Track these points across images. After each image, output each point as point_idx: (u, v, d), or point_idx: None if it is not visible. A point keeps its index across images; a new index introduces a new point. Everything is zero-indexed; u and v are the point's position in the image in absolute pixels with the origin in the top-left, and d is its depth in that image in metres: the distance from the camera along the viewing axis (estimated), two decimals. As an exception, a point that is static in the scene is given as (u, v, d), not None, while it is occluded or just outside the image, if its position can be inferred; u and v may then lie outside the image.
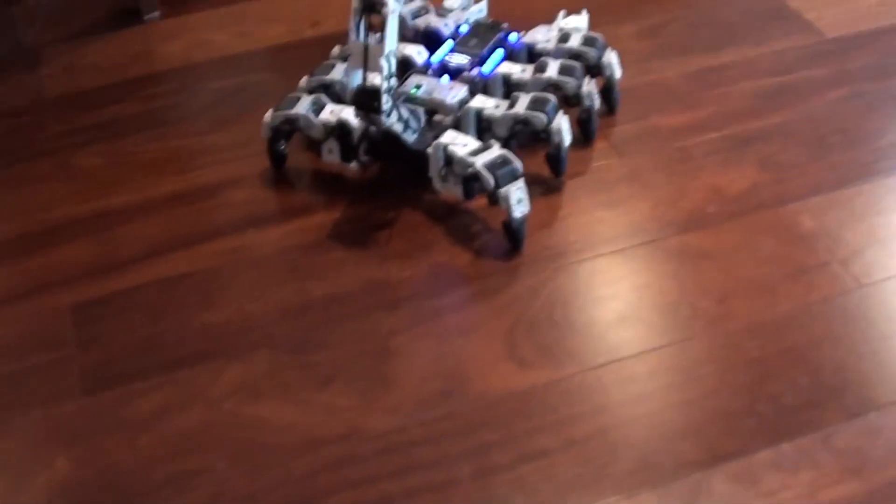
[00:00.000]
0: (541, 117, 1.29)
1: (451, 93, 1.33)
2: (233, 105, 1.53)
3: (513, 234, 1.25)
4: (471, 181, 1.25)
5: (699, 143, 1.41)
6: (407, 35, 1.49)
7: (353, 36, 1.22)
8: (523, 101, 1.32)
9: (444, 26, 1.48)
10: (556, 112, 1.31)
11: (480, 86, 1.38)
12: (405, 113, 1.28)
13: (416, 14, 1.52)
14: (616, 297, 1.20)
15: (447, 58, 1.41)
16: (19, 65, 1.67)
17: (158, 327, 1.19)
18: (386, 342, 1.16)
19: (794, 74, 1.55)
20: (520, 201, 1.23)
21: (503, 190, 1.22)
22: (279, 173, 1.40)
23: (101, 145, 1.47)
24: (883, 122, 1.45)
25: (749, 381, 1.09)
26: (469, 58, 1.40)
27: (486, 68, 1.40)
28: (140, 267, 1.27)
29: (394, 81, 1.23)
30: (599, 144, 1.42)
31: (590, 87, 1.38)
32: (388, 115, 1.23)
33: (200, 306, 1.22)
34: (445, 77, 1.38)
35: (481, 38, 1.45)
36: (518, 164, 1.24)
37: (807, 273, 1.22)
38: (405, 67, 1.40)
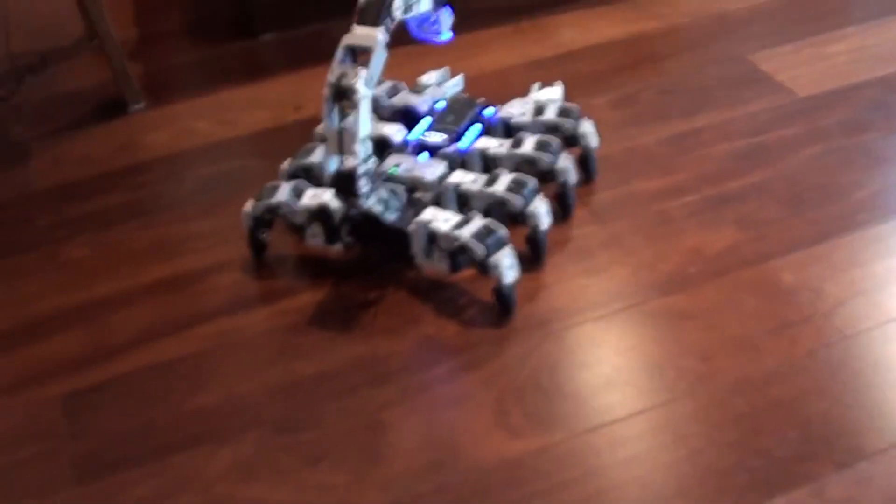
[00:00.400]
0: (518, 200, 1.31)
1: (430, 170, 1.35)
2: (217, 191, 1.55)
3: (504, 301, 1.27)
4: (457, 255, 1.27)
5: (678, 206, 1.43)
6: (384, 114, 1.51)
7: (326, 122, 1.24)
8: (503, 181, 1.33)
9: (421, 103, 1.51)
10: (534, 195, 1.33)
11: (458, 161, 1.40)
12: (385, 193, 1.29)
13: (391, 93, 1.54)
14: (602, 362, 1.21)
15: (424, 135, 1.43)
16: (8, 160, 1.70)
17: (149, 413, 1.20)
18: (375, 417, 1.16)
19: (768, 134, 1.57)
20: (510, 267, 1.25)
21: (493, 258, 1.24)
22: (260, 260, 1.41)
23: (88, 236, 1.49)
24: (858, 176, 1.47)
25: (738, 437, 1.10)
26: (446, 134, 1.42)
27: (464, 144, 1.42)
28: (129, 354, 1.28)
29: (371, 164, 1.24)
30: (580, 212, 1.43)
31: (566, 162, 1.40)
32: (367, 197, 1.25)
33: (191, 390, 1.22)
34: (424, 154, 1.40)
35: (458, 113, 1.47)
36: (504, 230, 1.26)
37: (790, 327, 1.23)
38: (383, 146, 1.42)
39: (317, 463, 1.11)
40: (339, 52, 1.23)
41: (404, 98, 1.53)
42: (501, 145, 1.41)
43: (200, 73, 1.94)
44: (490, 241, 1.24)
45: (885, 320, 1.23)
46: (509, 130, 1.48)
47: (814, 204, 1.42)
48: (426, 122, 1.47)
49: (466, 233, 1.25)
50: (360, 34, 1.24)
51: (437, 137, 1.43)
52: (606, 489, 1.06)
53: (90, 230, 1.50)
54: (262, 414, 1.18)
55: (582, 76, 1.76)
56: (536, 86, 1.55)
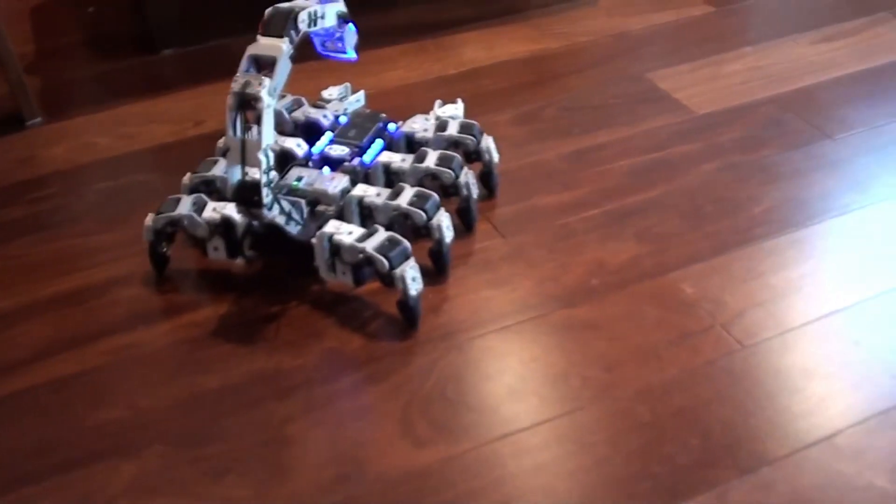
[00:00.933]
0: (420, 214, 1.31)
1: (333, 183, 1.35)
2: (118, 205, 1.53)
3: (409, 313, 1.26)
4: (361, 267, 1.26)
5: (580, 220, 1.44)
6: (286, 129, 1.51)
7: (229, 132, 1.23)
8: (406, 195, 1.33)
9: (324, 117, 1.51)
10: (436, 209, 1.32)
11: (362, 175, 1.40)
12: (287, 206, 1.28)
13: (291, 108, 1.54)
14: (506, 372, 1.21)
15: (327, 149, 1.43)
16: None
17: (49, 430, 1.16)
18: (280, 431, 1.14)
19: (667, 150, 1.60)
20: (414, 279, 1.24)
21: (397, 270, 1.23)
22: (162, 275, 1.39)
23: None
24: (755, 191, 1.50)
25: (642, 444, 1.11)
26: (349, 148, 1.42)
27: (367, 158, 1.42)
28: (28, 370, 1.25)
29: (273, 175, 1.23)
30: (483, 226, 1.44)
31: (467, 177, 1.40)
32: (270, 208, 1.24)
33: (92, 405, 1.19)
34: (326, 168, 1.39)
35: (360, 128, 1.47)
36: (406, 243, 1.25)
37: (691, 337, 1.25)
38: (286, 160, 1.41)
39: (220, 477, 1.09)
40: (244, 62, 1.23)
41: (306, 111, 1.53)
42: (404, 160, 1.41)
43: (100, 87, 1.91)
44: (394, 253, 1.24)
45: (782, 330, 1.26)
46: (412, 146, 1.48)
47: (712, 218, 1.45)
48: (328, 136, 1.46)
49: (370, 245, 1.24)
50: (264, 44, 1.23)
51: (340, 151, 1.42)
52: (513, 498, 1.06)
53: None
54: (164, 428, 1.16)
55: (485, 93, 1.78)
56: (438, 103, 1.55)
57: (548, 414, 1.15)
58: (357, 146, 1.43)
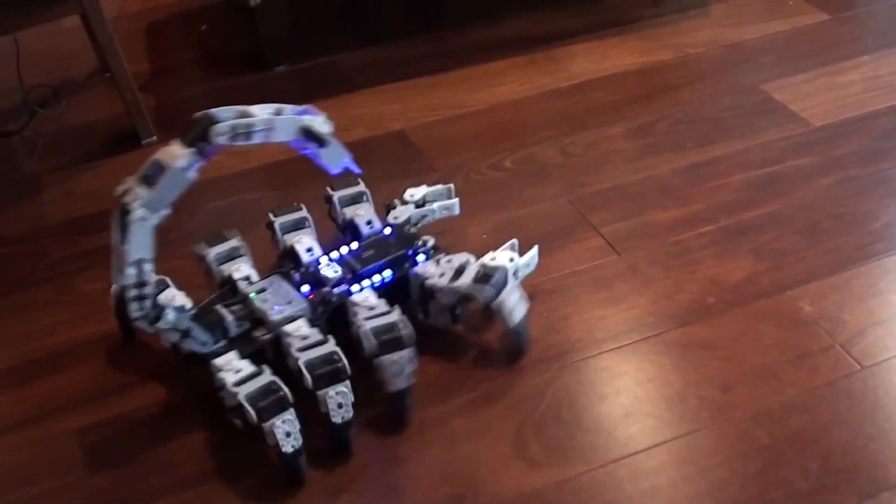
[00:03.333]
0: (310, 381, 1.12)
1: (280, 308, 1.22)
2: (229, 223, 1.54)
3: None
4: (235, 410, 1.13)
5: (694, 237, 1.42)
6: (336, 221, 1.42)
7: (113, 236, 1.14)
8: (312, 353, 1.14)
9: (367, 224, 1.36)
10: (329, 385, 1.12)
11: (330, 307, 1.24)
12: (186, 323, 1.18)
13: (352, 200, 1.41)
14: (622, 393, 1.20)
15: (322, 265, 1.28)
16: (20, 193, 1.70)
17: (165, 447, 1.19)
18: (394, 451, 1.15)
19: (783, 164, 1.57)
20: (289, 434, 1.09)
21: (266, 424, 1.09)
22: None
23: (101, 269, 1.46)
24: (874, 205, 1.46)
25: (759, 468, 1.09)
26: (342, 271, 1.27)
27: (356, 287, 1.26)
28: (144, 389, 1.27)
29: (148, 290, 1.14)
30: (596, 242, 1.43)
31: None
32: (151, 322, 1.16)
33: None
34: (307, 286, 1.26)
35: (383, 249, 1.31)
36: (287, 398, 1.10)
37: (810, 358, 1.22)
38: (292, 259, 1.32)
39: (335, 497, 1.10)
40: (144, 165, 1.14)
41: (355, 211, 1.39)
42: (373, 309, 1.20)
43: (213, 105, 1.92)
44: (265, 403, 1.09)
45: (905, 350, 1.23)
46: (422, 290, 1.28)
47: (830, 234, 1.41)
48: (346, 249, 1.32)
49: (243, 391, 1.10)
50: (167, 150, 1.13)
51: (331, 272, 1.27)
52: (628, 522, 1.05)
53: (103, 263, 1.46)
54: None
55: (597, 106, 1.76)
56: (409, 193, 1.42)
57: (664, 436, 1.14)
58: (355, 271, 1.27)
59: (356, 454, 1.15)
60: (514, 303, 1.22)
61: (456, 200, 1.42)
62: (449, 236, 1.43)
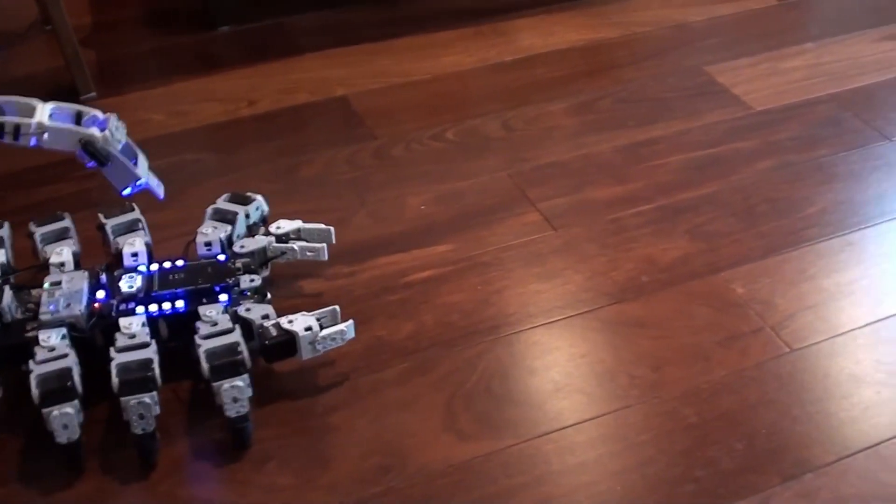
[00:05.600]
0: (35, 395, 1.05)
1: (54, 308, 1.15)
2: (169, 184, 1.52)
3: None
4: None
5: (631, 215, 1.43)
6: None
7: None
8: (40, 368, 1.08)
9: (205, 245, 1.27)
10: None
11: (105, 322, 1.16)
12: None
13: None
14: (553, 368, 1.21)
15: (127, 276, 1.20)
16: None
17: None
18: (323, 420, 1.15)
19: (723, 146, 1.58)
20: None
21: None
22: None
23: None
24: (809, 191, 1.48)
25: (686, 447, 1.10)
26: (139, 287, 1.19)
27: (140, 309, 1.17)
28: None
29: None
30: (534, 217, 1.44)
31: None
32: None
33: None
34: (101, 292, 1.19)
35: (195, 276, 1.21)
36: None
37: (740, 339, 1.23)
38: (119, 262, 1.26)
39: (263, 464, 1.10)
40: None
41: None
42: (133, 338, 1.12)
43: (155, 63, 1.92)
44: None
45: (832, 334, 1.24)
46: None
47: (765, 217, 1.43)
48: (176, 264, 1.24)
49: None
50: None
51: (126, 285, 1.19)
52: (554, 496, 1.05)
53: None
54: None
55: (541, 81, 1.77)
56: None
57: (593, 412, 1.15)
58: (147, 293, 1.19)
59: (284, 422, 1.14)
60: (234, 395, 1.08)
61: (323, 246, 1.30)
62: (386, 207, 1.42)
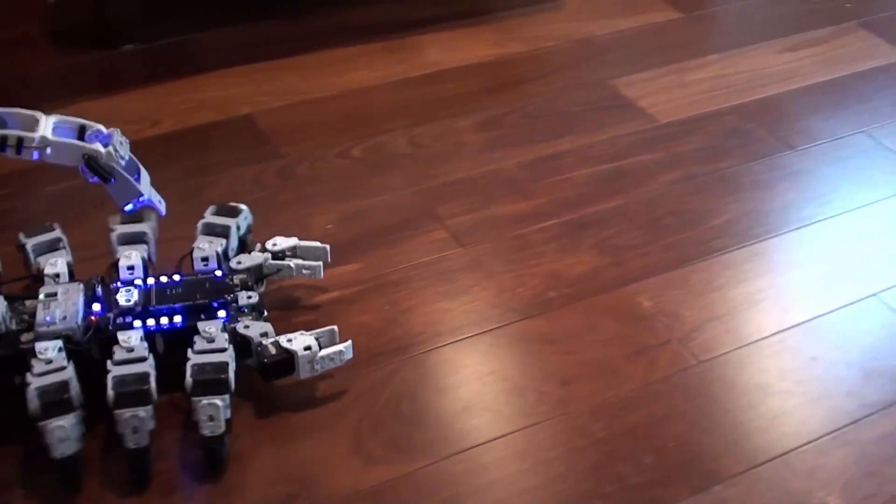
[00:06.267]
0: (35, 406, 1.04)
1: (50, 320, 1.12)
2: (73, 207, 1.49)
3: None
4: None
5: (538, 230, 1.43)
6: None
7: None
8: (38, 381, 1.05)
9: (202, 261, 1.25)
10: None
11: (102, 335, 1.14)
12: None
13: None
14: (461, 386, 1.20)
15: (124, 290, 1.18)
16: None
17: None
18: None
19: (628, 159, 1.59)
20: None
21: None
22: None
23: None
24: (715, 203, 1.49)
25: (595, 462, 1.10)
26: (136, 301, 1.17)
27: (137, 323, 1.15)
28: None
29: None
30: (440, 235, 1.43)
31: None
32: None
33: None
34: (97, 305, 1.16)
35: (193, 292, 1.19)
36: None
37: (647, 352, 1.24)
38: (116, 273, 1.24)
39: (168, 495, 1.07)
40: None
41: (199, 243, 1.27)
42: (131, 351, 1.10)
43: (56, 83, 1.87)
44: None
45: (739, 345, 1.25)
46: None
47: (671, 230, 1.44)
48: (172, 278, 1.22)
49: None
50: None
51: (123, 298, 1.17)
52: (464, 517, 1.05)
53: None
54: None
55: (448, 97, 1.76)
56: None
57: (502, 430, 1.14)
58: (146, 308, 1.17)
59: (187, 451, 1.12)
60: (211, 413, 1.06)
61: (320, 264, 1.30)
62: (292, 227, 1.39)
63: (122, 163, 1.16)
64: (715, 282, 1.35)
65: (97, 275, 1.21)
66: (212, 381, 1.07)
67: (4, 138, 1.08)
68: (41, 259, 1.25)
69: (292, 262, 1.28)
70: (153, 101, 1.78)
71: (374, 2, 2.08)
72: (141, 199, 1.19)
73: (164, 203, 1.24)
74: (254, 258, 1.27)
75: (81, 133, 1.14)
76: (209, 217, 1.31)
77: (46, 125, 1.11)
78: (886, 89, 1.82)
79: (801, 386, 1.20)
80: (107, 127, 1.16)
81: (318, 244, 1.32)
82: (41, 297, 1.16)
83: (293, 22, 2.01)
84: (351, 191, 1.52)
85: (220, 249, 1.26)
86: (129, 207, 1.19)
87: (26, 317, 1.15)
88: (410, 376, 1.21)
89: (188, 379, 1.07)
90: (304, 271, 1.29)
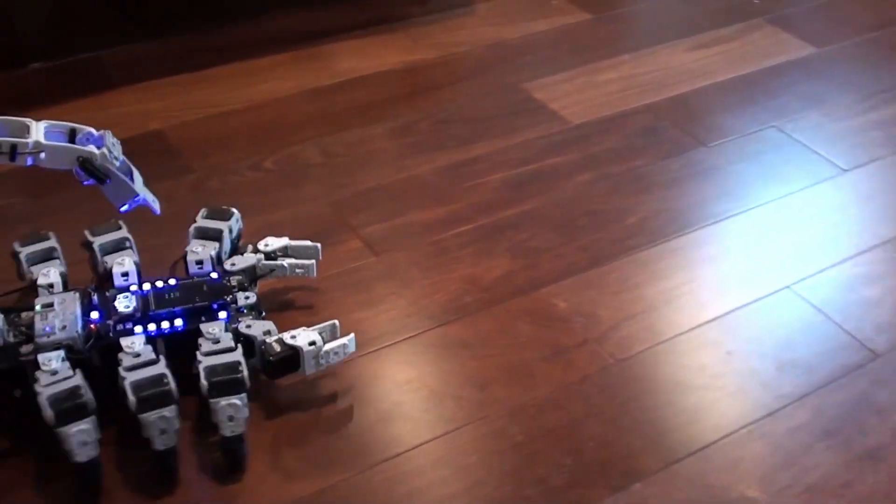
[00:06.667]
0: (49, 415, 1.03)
1: (50, 330, 1.11)
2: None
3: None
4: None
5: (453, 236, 1.43)
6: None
7: None
8: (47, 390, 1.05)
9: (196, 263, 1.26)
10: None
11: (103, 342, 1.13)
12: None
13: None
14: (380, 396, 1.19)
15: (122, 296, 1.18)
16: None
17: None
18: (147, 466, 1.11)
19: (541, 162, 1.59)
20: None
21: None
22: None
23: None
24: (628, 202, 1.50)
25: (514, 466, 1.09)
26: (135, 306, 1.16)
27: (138, 329, 1.14)
28: None
29: None
30: (355, 244, 1.42)
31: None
32: None
33: None
34: (95, 313, 1.16)
35: (191, 295, 1.19)
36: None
37: (564, 353, 1.24)
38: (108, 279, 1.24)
39: (81, 516, 1.06)
40: None
41: (193, 247, 1.27)
42: (137, 357, 1.10)
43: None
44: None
45: (656, 342, 1.26)
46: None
47: (586, 230, 1.44)
48: (168, 282, 1.22)
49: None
50: None
51: (122, 305, 1.16)
52: (384, 528, 1.04)
53: None
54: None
55: (360, 106, 1.75)
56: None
57: (422, 438, 1.13)
58: (145, 313, 1.16)
59: (117, 467, 1.09)
60: (231, 413, 1.07)
61: (313, 262, 1.30)
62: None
63: (117, 164, 1.15)
64: (630, 280, 1.36)
65: (90, 283, 1.22)
66: (227, 381, 1.07)
67: None
68: (34, 269, 1.24)
69: (286, 262, 1.29)
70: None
71: (284, 13, 2.06)
72: (136, 198, 1.19)
73: (157, 202, 1.23)
74: (247, 259, 1.28)
75: (72, 136, 1.13)
76: (201, 221, 1.31)
77: (38, 130, 1.10)
78: (796, 84, 1.85)
79: (718, 380, 1.21)
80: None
81: (308, 243, 1.32)
82: (38, 307, 1.15)
83: (203, 36, 1.99)
84: (264, 203, 1.50)
85: (213, 253, 1.26)
86: (124, 208, 1.19)
87: (23, 328, 1.14)
88: (328, 388, 1.19)
89: (203, 382, 1.07)
90: (298, 270, 1.30)
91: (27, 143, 1.08)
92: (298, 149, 1.63)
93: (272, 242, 1.31)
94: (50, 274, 1.22)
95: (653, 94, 1.79)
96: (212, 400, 1.07)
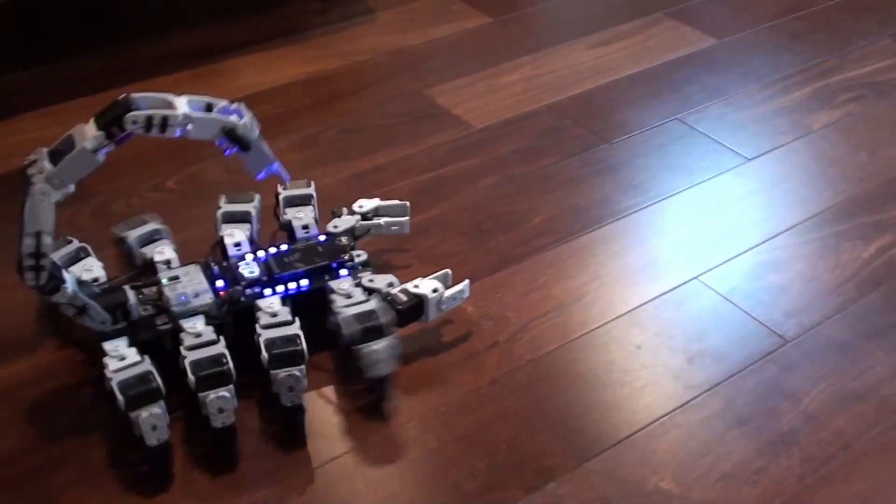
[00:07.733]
0: (192, 380, 1.09)
1: (184, 299, 1.18)
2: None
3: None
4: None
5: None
6: (280, 221, 1.37)
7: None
8: (193, 354, 1.11)
9: (302, 227, 1.33)
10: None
11: (236, 307, 1.20)
12: (82, 299, 1.13)
13: (297, 202, 1.38)
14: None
15: (242, 262, 1.25)
16: None
17: None
18: (56, 498, 1.09)
19: (447, 167, 1.60)
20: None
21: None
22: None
23: None
24: (535, 202, 1.51)
25: (429, 474, 1.09)
26: (260, 271, 1.23)
27: (268, 290, 1.22)
28: None
29: (45, 261, 1.09)
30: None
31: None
32: (48, 293, 1.11)
33: None
34: (221, 282, 1.22)
35: (310, 256, 1.27)
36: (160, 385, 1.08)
37: (474, 357, 1.24)
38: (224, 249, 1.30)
39: None
40: (62, 139, 1.11)
41: (296, 213, 1.35)
42: (275, 315, 1.17)
43: None
44: (133, 396, 1.06)
45: (565, 341, 1.27)
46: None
47: (492, 233, 1.45)
48: (280, 248, 1.29)
49: (117, 378, 1.08)
50: (82, 127, 1.11)
51: (249, 271, 1.23)
52: (299, 545, 1.03)
53: None
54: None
55: (263, 119, 1.72)
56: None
57: (334, 452, 1.13)
58: (270, 274, 1.23)
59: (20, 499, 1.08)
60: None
61: (406, 219, 1.37)
62: (116, 266, 1.36)
63: (256, 133, 1.19)
64: (538, 280, 1.36)
65: (204, 257, 1.28)
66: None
67: (150, 118, 1.09)
68: (145, 250, 1.31)
69: (381, 220, 1.36)
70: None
71: (184, 31, 2.04)
72: (272, 166, 1.23)
73: (286, 170, 1.26)
74: (347, 221, 1.34)
75: (209, 109, 1.16)
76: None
77: (182, 103, 1.13)
78: (697, 76, 1.87)
79: (629, 375, 1.22)
80: None
81: (397, 202, 1.38)
82: (164, 280, 1.21)
83: (101, 58, 1.96)
84: (168, 224, 1.48)
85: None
86: (261, 175, 1.22)
87: (151, 302, 1.19)
88: (240, 409, 1.18)
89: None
90: (393, 228, 1.37)
91: (177, 116, 1.12)
92: (200, 167, 1.62)
93: (365, 204, 1.37)
94: (165, 251, 1.29)
95: (555, 94, 1.81)
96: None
